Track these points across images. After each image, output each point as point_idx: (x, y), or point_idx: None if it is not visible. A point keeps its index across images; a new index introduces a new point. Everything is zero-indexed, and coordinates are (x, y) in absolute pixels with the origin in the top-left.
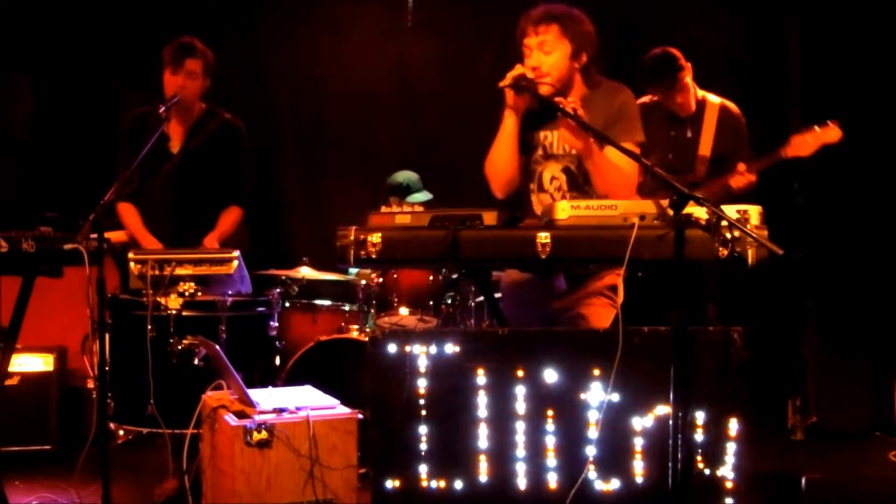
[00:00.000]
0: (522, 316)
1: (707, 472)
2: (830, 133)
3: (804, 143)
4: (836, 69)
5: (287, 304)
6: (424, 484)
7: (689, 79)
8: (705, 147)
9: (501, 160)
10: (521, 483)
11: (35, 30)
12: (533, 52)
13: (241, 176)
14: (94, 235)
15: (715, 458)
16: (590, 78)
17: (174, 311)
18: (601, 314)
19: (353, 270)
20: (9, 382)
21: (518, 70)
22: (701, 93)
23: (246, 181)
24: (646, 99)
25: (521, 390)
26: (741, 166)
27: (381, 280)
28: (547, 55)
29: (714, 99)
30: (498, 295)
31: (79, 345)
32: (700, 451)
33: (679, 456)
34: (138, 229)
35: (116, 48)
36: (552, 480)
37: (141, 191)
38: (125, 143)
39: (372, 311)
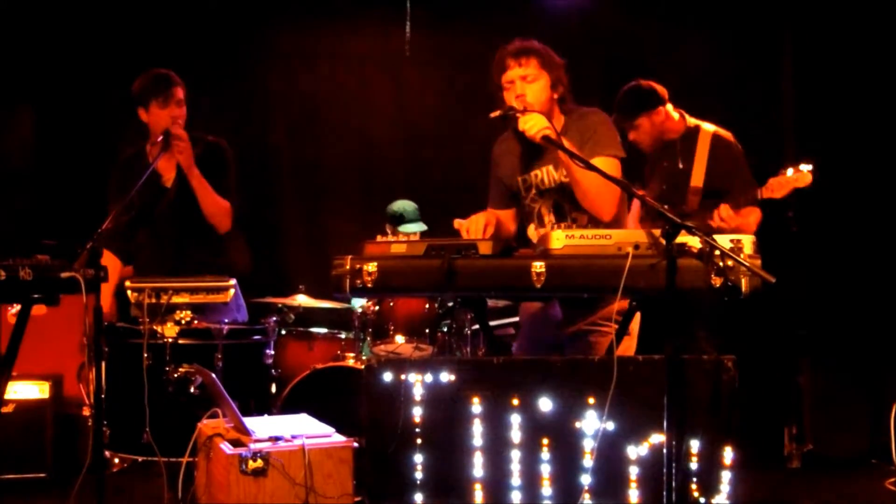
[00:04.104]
0: (536, 338)
1: (702, 500)
2: (802, 178)
3: (778, 186)
4: (831, 98)
5: (283, 332)
6: None
7: (662, 116)
8: (697, 178)
9: None
10: None
11: (35, 60)
12: (515, 82)
13: (230, 188)
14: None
15: (710, 487)
16: (565, 107)
17: (170, 340)
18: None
19: (356, 302)
20: (4, 410)
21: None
22: (694, 122)
23: (234, 193)
24: None
25: (516, 419)
26: (724, 210)
27: (377, 308)
28: (530, 85)
29: (708, 127)
30: (515, 319)
31: (74, 372)
32: (695, 479)
33: (674, 485)
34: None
35: (115, 79)
36: None
37: (139, 229)
38: (115, 190)
39: (368, 339)
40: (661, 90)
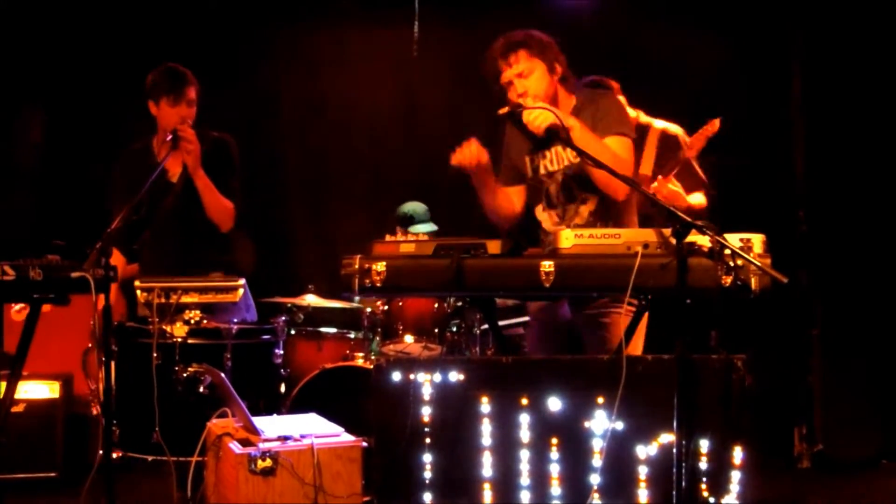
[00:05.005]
0: (549, 321)
1: (712, 500)
2: (711, 126)
3: (695, 141)
4: (841, 99)
5: (292, 332)
6: None
7: None
8: (646, 167)
9: (490, 205)
10: None
11: (46, 62)
12: (513, 82)
13: (235, 188)
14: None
15: (719, 487)
16: (571, 85)
17: (180, 339)
18: (624, 322)
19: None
20: (15, 409)
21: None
22: (646, 119)
23: (239, 194)
24: None
25: (525, 418)
26: (658, 178)
27: (386, 308)
28: (527, 79)
29: (658, 124)
30: (524, 318)
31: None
32: (705, 479)
33: (683, 484)
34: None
35: (126, 80)
36: None
37: (145, 228)
38: (119, 184)
39: (377, 338)
40: (614, 83)
